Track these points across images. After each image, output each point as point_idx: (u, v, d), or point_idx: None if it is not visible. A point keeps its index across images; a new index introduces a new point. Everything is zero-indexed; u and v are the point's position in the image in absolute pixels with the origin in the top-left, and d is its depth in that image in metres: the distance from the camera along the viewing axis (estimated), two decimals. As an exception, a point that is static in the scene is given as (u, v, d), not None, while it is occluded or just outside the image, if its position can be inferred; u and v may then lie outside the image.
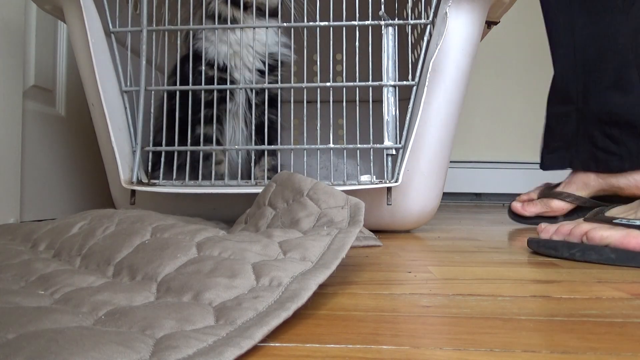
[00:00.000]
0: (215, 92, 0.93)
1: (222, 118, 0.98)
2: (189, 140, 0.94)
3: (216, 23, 0.95)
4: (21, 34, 1.00)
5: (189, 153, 0.94)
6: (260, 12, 0.98)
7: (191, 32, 0.97)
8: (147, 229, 0.51)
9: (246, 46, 0.98)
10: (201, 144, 0.93)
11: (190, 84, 0.93)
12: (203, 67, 0.94)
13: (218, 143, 0.97)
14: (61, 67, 1.16)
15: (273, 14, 1.00)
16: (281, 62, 1.02)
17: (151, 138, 0.93)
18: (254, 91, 1.00)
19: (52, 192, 1.13)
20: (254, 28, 0.98)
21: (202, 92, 0.94)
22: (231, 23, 0.97)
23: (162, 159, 0.95)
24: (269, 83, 0.95)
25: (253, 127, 1.01)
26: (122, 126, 0.91)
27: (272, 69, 0.99)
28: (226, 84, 0.96)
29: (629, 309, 0.41)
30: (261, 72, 0.98)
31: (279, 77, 1.00)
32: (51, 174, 1.13)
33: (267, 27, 0.97)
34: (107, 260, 0.47)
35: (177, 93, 0.95)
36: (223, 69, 0.97)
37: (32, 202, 1.05)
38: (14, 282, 0.43)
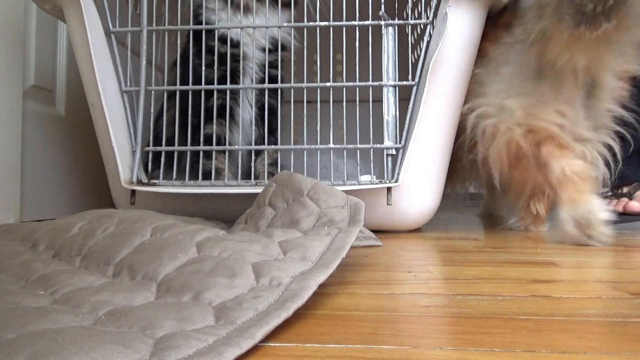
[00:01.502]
0: (216, 71, 0.93)
1: (225, 107, 0.98)
2: (188, 140, 0.94)
3: (229, 7, 0.96)
4: (21, 34, 1.00)
5: (188, 152, 0.95)
6: (273, 2, 1.00)
7: (204, 3, 0.97)
8: (147, 229, 0.51)
9: (257, 31, 0.99)
10: (201, 143, 0.93)
11: (191, 62, 0.93)
12: (216, 43, 0.95)
13: (219, 142, 0.97)
14: (61, 67, 1.16)
15: (284, 4, 1.01)
16: (283, 46, 1.03)
17: (151, 138, 0.93)
18: (256, 72, 1.01)
19: (52, 192, 1.13)
20: (254, 28, 0.98)
21: (203, 70, 0.94)
22: (243, 10, 0.97)
23: (162, 158, 0.95)
24: (270, 62, 0.97)
25: (254, 110, 1.02)
26: (122, 126, 0.91)
27: (273, 50, 1.01)
28: (238, 59, 0.96)
29: (629, 308, 0.41)
30: (264, 51, 1.00)
31: (279, 58, 1.01)
32: (51, 174, 1.13)
33: (266, 27, 0.97)
34: (107, 260, 0.47)
35: (179, 78, 0.95)
36: (235, 45, 0.98)
37: (32, 202, 1.05)
38: (14, 282, 0.43)
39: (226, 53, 0.95)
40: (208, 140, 0.95)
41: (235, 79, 0.98)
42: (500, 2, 0.88)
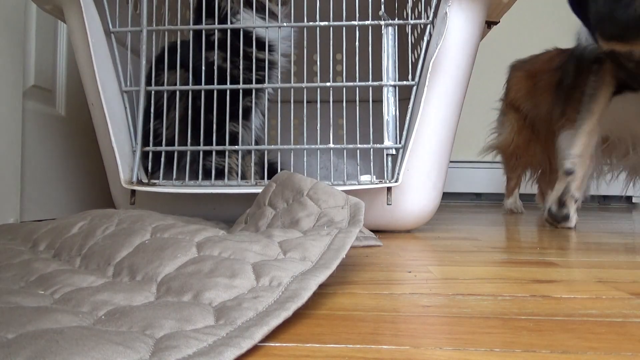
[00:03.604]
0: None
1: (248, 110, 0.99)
2: (188, 139, 0.94)
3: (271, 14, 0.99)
4: (21, 34, 1.00)
5: (189, 152, 0.95)
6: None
7: (241, 9, 0.97)
8: (147, 229, 0.51)
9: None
10: (200, 141, 0.93)
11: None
12: (254, 49, 0.96)
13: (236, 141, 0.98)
14: (61, 67, 1.16)
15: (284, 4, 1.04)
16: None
17: (151, 138, 0.93)
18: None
19: (52, 192, 1.13)
20: (254, 28, 0.98)
21: (241, 74, 0.94)
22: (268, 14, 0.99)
23: (163, 158, 0.95)
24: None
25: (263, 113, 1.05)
26: (122, 126, 0.91)
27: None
28: (274, 65, 0.98)
29: (629, 308, 0.41)
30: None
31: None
32: (51, 174, 1.13)
33: (266, 27, 0.97)
34: (107, 260, 0.47)
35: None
36: (271, 50, 0.99)
37: (32, 202, 1.05)
38: (14, 282, 0.43)
39: (264, 59, 0.96)
40: (232, 138, 0.96)
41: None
42: (501, 2, 0.88)
